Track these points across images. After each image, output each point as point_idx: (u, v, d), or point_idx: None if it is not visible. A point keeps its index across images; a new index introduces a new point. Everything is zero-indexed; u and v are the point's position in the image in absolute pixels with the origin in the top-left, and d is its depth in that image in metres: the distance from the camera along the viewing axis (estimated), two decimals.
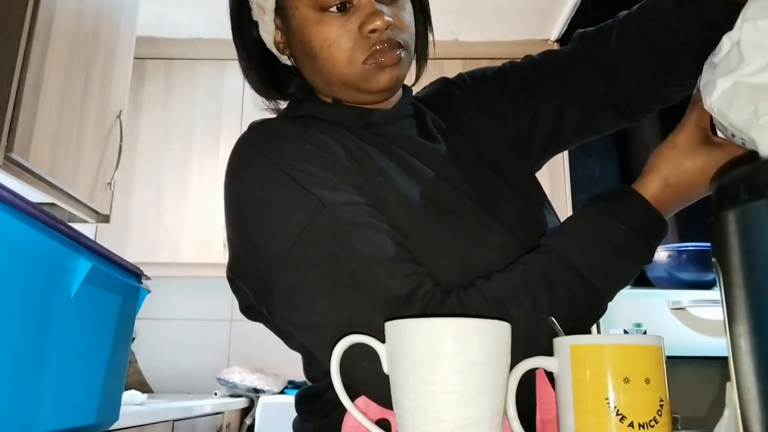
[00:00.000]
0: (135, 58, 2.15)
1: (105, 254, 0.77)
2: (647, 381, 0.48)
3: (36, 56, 1.47)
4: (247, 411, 2.49)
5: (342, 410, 0.60)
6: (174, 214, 2.75)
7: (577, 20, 2.79)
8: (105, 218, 1.97)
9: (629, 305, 2.10)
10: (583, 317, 0.63)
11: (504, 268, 0.65)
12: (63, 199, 1.71)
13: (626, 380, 0.48)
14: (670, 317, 2.10)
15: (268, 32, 0.78)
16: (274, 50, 0.80)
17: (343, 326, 0.59)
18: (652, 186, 0.63)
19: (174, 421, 1.74)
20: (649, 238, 0.62)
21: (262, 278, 0.66)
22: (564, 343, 0.51)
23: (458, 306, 0.60)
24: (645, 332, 2.15)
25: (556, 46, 2.96)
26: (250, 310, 0.75)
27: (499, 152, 0.82)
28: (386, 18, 0.70)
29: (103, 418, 0.81)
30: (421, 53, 0.83)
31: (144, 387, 2.63)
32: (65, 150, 1.65)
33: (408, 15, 0.75)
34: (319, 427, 0.72)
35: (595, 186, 3.47)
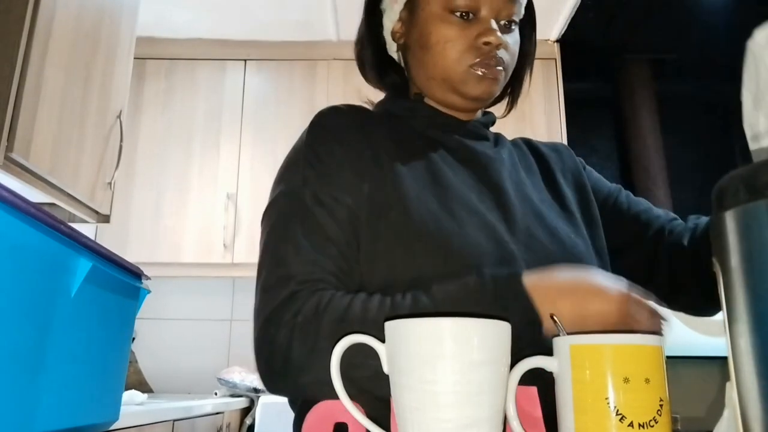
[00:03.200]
0: (135, 58, 2.14)
1: (105, 254, 0.77)
2: (647, 381, 0.48)
3: (36, 56, 1.47)
4: (247, 411, 2.49)
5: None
6: (174, 214, 2.75)
7: (577, 20, 2.79)
8: (105, 218, 1.97)
9: None
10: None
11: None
12: (63, 199, 1.71)
13: (626, 380, 0.48)
14: (670, 317, 2.10)
15: (391, 20, 0.88)
16: (388, 38, 0.90)
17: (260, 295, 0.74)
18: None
19: (174, 421, 1.74)
20: None
21: None
22: (564, 342, 0.51)
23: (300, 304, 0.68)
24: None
25: (556, 46, 2.96)
26: None
27: (554, 209, 0.86)
28: (499, 36, 0.79)
29: (103, 418, 0.81)
30: (515, 90, 0.92)
31: (144, 387, 2.63)
32: (65, 150, 1.65)
33: (514, 46, 0.83)
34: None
35: None
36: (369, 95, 0.95)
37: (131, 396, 1.68)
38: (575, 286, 0.64)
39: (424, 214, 0.73)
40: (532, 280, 0.64)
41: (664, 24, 3.32)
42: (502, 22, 0.81)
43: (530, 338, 0.61)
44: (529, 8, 0.89)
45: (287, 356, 0.66)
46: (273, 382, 0.70)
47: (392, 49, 0.91)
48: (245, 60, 2.91)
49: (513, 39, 0.83)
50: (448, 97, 0.84)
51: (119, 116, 1.99)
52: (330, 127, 0.81)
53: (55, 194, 1.66)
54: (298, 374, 0.66)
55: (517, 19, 0.83)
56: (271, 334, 0.69)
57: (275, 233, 0.74)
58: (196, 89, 2.90)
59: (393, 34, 0.89)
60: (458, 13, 0.80)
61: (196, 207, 2.76)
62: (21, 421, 0.60)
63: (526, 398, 0.57)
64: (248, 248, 2.66)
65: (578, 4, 2.72)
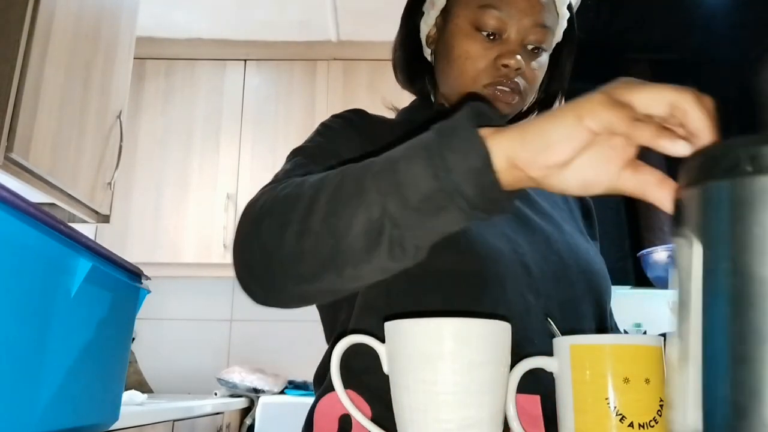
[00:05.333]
0: (135, 58, 2.15)
1: (105, 254, 0.77)
2: (647, 381, 0.48)
3: (36, 56, 1.47)
4: (247, 411, 2.49)
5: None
6: (174, 214, 2.75)
7: (577, 20, 2.79)
8: (105, 218, 1.97)
9: (629, 305, 2.10)
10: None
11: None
12: (63, 199, 1.71)
13: (626, 380, 0.48)
14: (670, 317, 2.10)
15: (427, 24, 0.88)
16: (423, 41, 0.90)
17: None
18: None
19: (174, 421, 1.74)
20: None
21: None
22: (564, 343, 0.51)
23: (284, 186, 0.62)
24: (645, 332, 2.15)
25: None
26: None
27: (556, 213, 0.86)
28: (519, 60, 0.77)
29: (103, 418, 0.81)
30: (543, 109, 0.91)
31: (144, 387, 2.63)
32: (65, 150, 1.65)
33: (540, 72, 0.82)
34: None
35: None
36: (393, 101, 0.96)
37: (131, 396, 1.67)
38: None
39: None
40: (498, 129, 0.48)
41: (664, 24, 3.32)
42: (530, 47, 0.80)
43: (481, 187, 0.46)
44: (571, 33, 0.88)
45: (241, 229, 0.61)
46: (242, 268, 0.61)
47: (427, 52, 0.91)
48: (245, 60, 2.91)
49: (538, 64, 0.81)
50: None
51: (119, 116, 1.99)
52: (348, 118, 0.82)
53: (54, 194, 1.66)
54: (246, 249, 0.59)
55: (547, 47, 0.82)
56: (246, 214, 0.63)
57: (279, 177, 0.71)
58: (196, 89, 2.90)
59: (427, 38, 0.89)
60: (485, 32, 0.78)
61: (196, 207, 2.76)
62: (21, 421, 0.60)
63: (527, 400, 0.57)
64: None
65: (578, 4, 2.72)
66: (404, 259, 0.51)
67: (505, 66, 0.77)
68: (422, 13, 0.89)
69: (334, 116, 0.83)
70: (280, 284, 0.57)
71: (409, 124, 0.83)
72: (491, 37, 0.78)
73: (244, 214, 0.63)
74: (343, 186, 0.52)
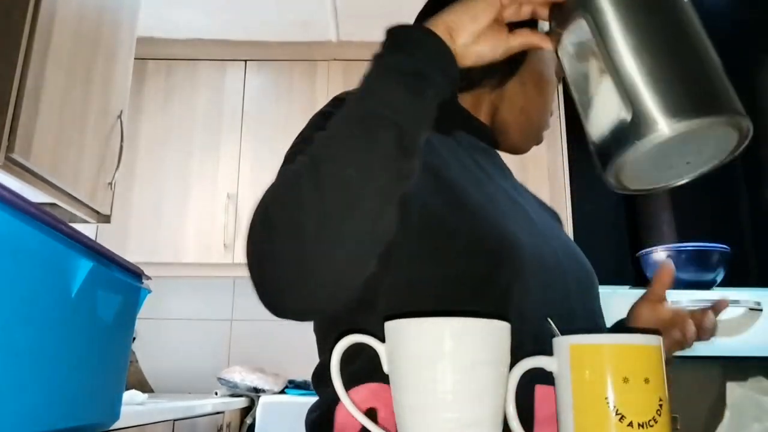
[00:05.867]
0: (135, 58, 2.15)
1: (106, 254, 0.77)
2: (646, 381, 0.48)
3: (37, 57, 1.47)
4: (248, 411, 2.49)
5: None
6: (174, 214, 2.75)
7: None
8: (106, 218, 1.97)
9: (628, 305, 2.10)
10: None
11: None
12: (64, 199, 1.71)
13: (625, 380, 0.48)
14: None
15: None
16: None
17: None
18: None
19: (174, 420, 1.74)
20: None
21: None
22: (563, 342, 0.51)
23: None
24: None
25: None
26: None
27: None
28: None
29: (104, 418, 0.81)
30: None
31: (144, 387, 2.64)
32: (66, 150, 1.65)
33: None
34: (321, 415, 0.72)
35: (595, 185, 3.46)
36: None
37: (132, 396, 1.68)
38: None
39: (464, 194, 0.72)
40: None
41: None
42: None
43: (444, 58, 0.61)
44: None
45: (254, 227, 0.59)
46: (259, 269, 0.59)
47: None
48: (245, 60, 2.92)
49: None
50: (509, 132, 0.86)
51: (120, 116, 1.99)
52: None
53: (55, 194, 1.66)
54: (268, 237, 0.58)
55: None
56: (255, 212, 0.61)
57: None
58: (196, 89, 2.90)
59: None
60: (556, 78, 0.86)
61: (196, 207, 2.76)
62: (21, 420, 0.60)
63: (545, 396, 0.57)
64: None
65: None
66: (413, 154, 0.58)
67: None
68: None
69: (335, 100, 0.79)
70: (311, 261, 0.55)
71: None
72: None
73: (252, 223, 0.61)
74: (339, 129, 0.58)
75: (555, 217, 0.95)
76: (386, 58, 0.62)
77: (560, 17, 0.59)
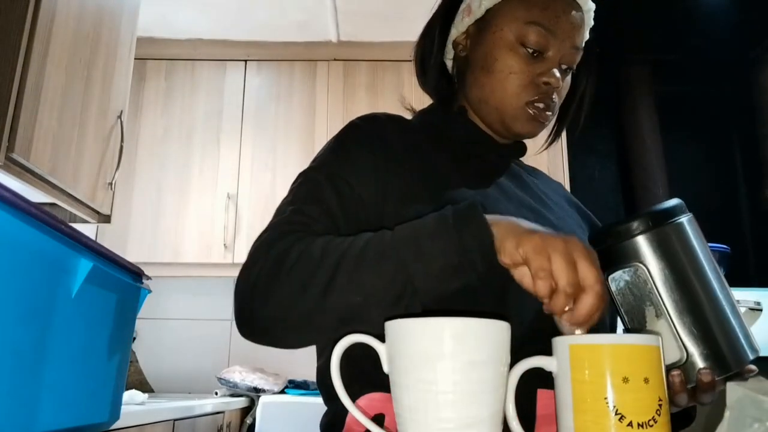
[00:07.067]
0: (135, 58, 2.15)
1: (106, 254, 0.77)
2: (646, 380, 0.48)
3: (37, 57, 1.47)
4: (248, 410, 2.49)
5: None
6: (174, 214, 2.75)
7: None
8: (106, 218, 1.97)
9: None
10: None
11: None
12: (64, 199, 1.71)
13: (625, 380, 0.48)
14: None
15: (458, 30, 0.88)
16: (449, 45, 0.90)
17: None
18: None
19: (174, 420, 1.74)
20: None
21: None
22: (563, 342, 0.52)
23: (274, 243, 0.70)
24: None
25: None
26: None
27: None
28: (559, 79, 0.80)
29: (104, 418, 0.81)
30: (558, 128, 0.94)
31: (144, 387, 2.64)
32: (66, 150, 1.65)
33: (565, 90, 0.85)
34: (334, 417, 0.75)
35: (595, 185, 3.47)
36: (412, 102, 0.96)
37: (132, 396, 1.68)
38: (539, 230, 0.61)
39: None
40: (495, 217, 0.63)
41: (664, 24, 3.32)
42: (563, 67, 0.82)
43: (489, 262, 0.60)
44: (590, 53, 0.90)
45: (255, 283, 0.68)
46: (241, 314, 0.71)
47: (448, 56, 0.90)
48: (245, 60, 2.92)
49: (566, 83, 0.84)
50: (493, 123, 0.85)
51: (120, 116, 1.99)
52: (364, 129, 0.81)
53: (55, 194, 1.66)
54: (259, 305, 0.67)
55: (574, 68, 0.85)
56: (246, 267, 0.71)
57: (286, 199, 0.77)
58: (196, 89, 2.90)
59: (455, 44, 0.88)
60: (530, 48, 0.80)
61: (196, 207, 2.76)
62: (21, 421, 0.60)
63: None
64: (249, 248, 2.64)
65: None
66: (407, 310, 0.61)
67: (547, 84, 0.80)
68: (452, 18, 0.88)
69: (351, 129, 0.82)
70: (292, 338, 0.69)
71: (430, 126, 0.86)
72: (534, 54, 0.80)
73: (253, 261, 0.70)
74: (366, 252, 0.62)
75: (585, 217, 0.93)
76: (444, 234, 0.61)
77: (615, 257, 0.65)
